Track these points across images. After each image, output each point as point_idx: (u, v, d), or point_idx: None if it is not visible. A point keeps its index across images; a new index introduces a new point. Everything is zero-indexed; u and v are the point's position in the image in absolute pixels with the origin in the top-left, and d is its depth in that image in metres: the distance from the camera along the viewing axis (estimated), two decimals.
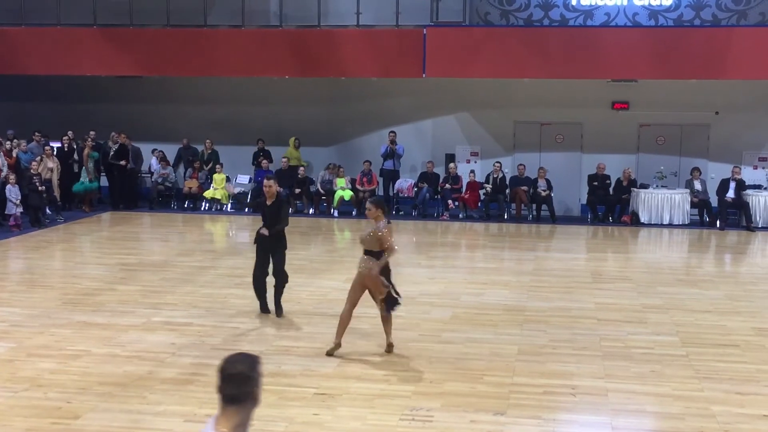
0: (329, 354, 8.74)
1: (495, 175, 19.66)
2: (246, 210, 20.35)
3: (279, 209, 10.45)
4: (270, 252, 10.46)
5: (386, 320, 8.93)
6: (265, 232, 10.28)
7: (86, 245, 16.01)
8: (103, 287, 11.97)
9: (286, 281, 10.57)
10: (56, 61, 20.43)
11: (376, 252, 8.63)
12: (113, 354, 8.86)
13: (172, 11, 20.21)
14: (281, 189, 19.04)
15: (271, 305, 10.61)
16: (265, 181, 10.68)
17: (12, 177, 16.98)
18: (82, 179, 19.45)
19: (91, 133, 20.14)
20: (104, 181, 20.65)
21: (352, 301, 8.77)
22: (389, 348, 8.95)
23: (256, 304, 10.90)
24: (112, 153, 20.22)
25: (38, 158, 18.15)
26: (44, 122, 20.99)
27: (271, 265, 10.49)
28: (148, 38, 20.27)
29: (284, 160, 20.50)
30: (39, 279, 12.74)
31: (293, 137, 20.94)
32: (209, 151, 21.29)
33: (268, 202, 10.47)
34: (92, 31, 20.38)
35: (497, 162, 19.95)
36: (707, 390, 7.97)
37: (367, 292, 8.83)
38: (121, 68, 20.51)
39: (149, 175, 21.43)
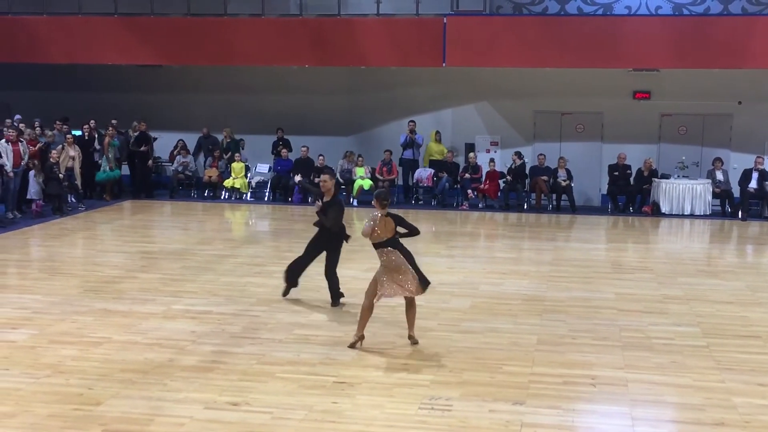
0: (351, 347, 8.73)
1: (513, 165, 19.60)
2: (266, 199, 20.41)
3: (330, 207, 10.35)
4: (324, 248, 10.53)
5: (410, 311, 8.89)
6: (318, 205, 10.45)
7: (107, 233, 16.10)
8: (123, 275, 12.04)
9: (337, 284, 10.58)
10: (77, 50, 20.53)
11: (386, 240, 8.64)
12: (134, 341, 8.91)
13: (192, 0, 20.25)
14: (299, 179, 19.13)
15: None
16: (324, 176, 10.55)
17: (34, 163, 17.17)
18: (103, 168, 19.55)
19: (113, 121, 20.25)
20: (126, 170, 20.76)
21: (373, 293, 8.74)
22: (412, 340, 8.88)
23: (276, 292, 10.95)
24: (132, 141, 20.32)
25: (59, 147, 18.25)
26: (66, 111, 21.09)
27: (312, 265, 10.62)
28: (168, 27, 20.31)
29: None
30: (60, 266, 12.83)
31: (434, 130, 20.75)
32: (228, 140, 21.34)
33: (326, 198, 10.39)
34: (113, 20, 20.45)
35: (515, 153, 19.86)
36: (728, 381, 7.92)
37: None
38: (142, 57, 20.58)
39: (169, 164, 21.52)
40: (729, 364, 8.42)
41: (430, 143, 20.63)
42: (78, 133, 19.74)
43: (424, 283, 8.77)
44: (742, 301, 11.09)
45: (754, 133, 20.13)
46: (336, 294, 10.57)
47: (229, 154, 20.96)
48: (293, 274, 10.75)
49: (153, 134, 20.84)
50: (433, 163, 20.40)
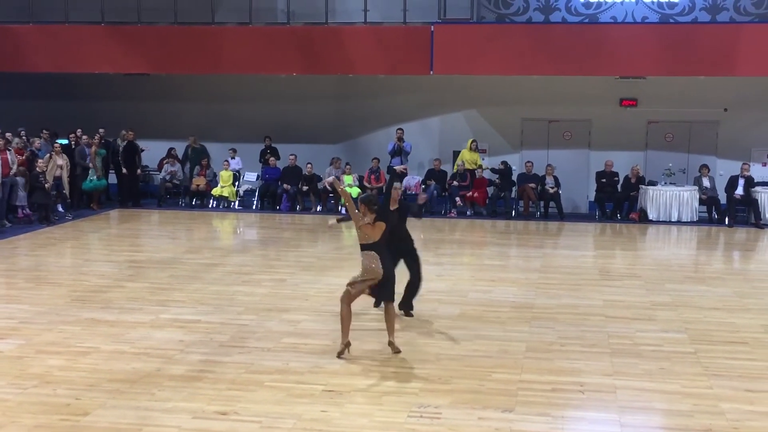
0: (339, 355, 8.70)
1: (500, 167, 19.68)
2: (254, 207, 20.39)
3: (407, 210, 10.12)
4: (404, 256, 10.13)
5: (388, 317, 8.89)
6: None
7: (94, 242, 16.04)
8: (111, 284, 11.99)
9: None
10: (64, 59, 20.47)
11: (373, 243, 8.69)
12: (121, 351, 8.87)
13: (179, 9, 20.23)
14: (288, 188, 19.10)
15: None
16: (396, 184, 10.25)
17: (25, 172, 17.16)
18: (90, 177, 19.49)
19: (100, 130, 20.20)
20: (113, 179, 20.70)
21: (347, 298, 8.77)
22: (391, 346, 8.84)
23: (265, 300, 10.94)
24: (121, 150, 20.27)
25: (47, 156, 18.19)
26: (52, 120, 21.04)
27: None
28: (155, 36, 20.29)
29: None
30: (47, 276, 12.77)
31: (471, 139, 20.56)
32: (194, 147, 21.24)
33: (392, 207, 9.81)
34: (100, 28, 20.42)
35: (501, 163, 19.91)
36: (716, 387, 7.94)
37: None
38: (129, 66, 20.54)
39: (157, 173, 21.48)
40: (717, 370, 8.45)
41: (463, 151, 20.51)
42: (65, 142, 19.67)
43: (390, 296, 8.86)
44: (730, 307, 11.14)
45: (740, 140, 20.24)
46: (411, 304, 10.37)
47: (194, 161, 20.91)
48: (406, 305, 10.37)
49: (142, 145, 20.80)
50: (465, 171, 20.20)
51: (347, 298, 8.74)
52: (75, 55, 20.41)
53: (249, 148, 21.33)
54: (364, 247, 8.77)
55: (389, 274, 8.83)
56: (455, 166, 20.25)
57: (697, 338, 9.58)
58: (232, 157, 21.02)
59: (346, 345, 8.73)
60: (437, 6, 19.52)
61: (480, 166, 19.98)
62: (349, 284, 8.84)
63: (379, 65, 19.62)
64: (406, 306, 10.33)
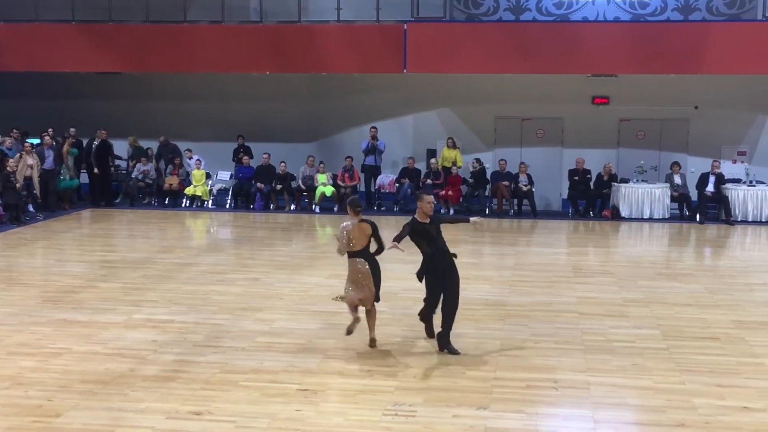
0: (349, 331, 8.86)
1: (473, 169, 19.71)
2: (227, 206, 20.31)
3: (442, 220, 9.13)
4: (446, 276, 8.91)
5: (370, 314, 8.96)
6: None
7: (66, 242, 15.90)
8: (83, 285, 11.90)
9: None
10: (35, 58, 20.27)
11: (361, 250, 8.78)
12: (94, 352, 8.80)
13: (151, 7, 20.11)
14: (263, 186, 19.01)
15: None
16: (428, 197, 8.82)
17: None
18: (62, 176, 19.30)
19: (71, 129, 20.03)
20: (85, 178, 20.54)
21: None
22: (372, 343, 8.96)
23: (239, 299, 10.93)
24: (93, 150, 20.08)
25: (17, 155, 18.00)
26: (23, 119, 20.84)
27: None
28: (127, 34, 20.14)
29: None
30: (19, 277, 12.65)
31: (448, 137, 20.55)
32: (133, 146, 21.08)
33: (426, 221, 8.83)
34: (71, 27, 20.24)
35: (475, 159, 19.97)
36: (688, 383, 8.02)
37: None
38: (101, 65, 20.39)
39: (126, 172, 21.32)
40: (689, 365, 8.52)
41: (443, 149, 20.58)
42: (36, 141, 19.48)
43: (376, 298, 8.96)
44: (701, 303, 11.24)
45: (711, 138, 20.43)
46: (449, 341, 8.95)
47: (135, 162, 20.78)
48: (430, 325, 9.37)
49: (117, 153, 20.70)
50: (445, 170, 20.24)
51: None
52: (46, 54, 20.21)
53: (222, 146, 21.24)
54: (351, 255, 8.79)
55: (377, 278, 8.87)
56: (439, 163, 20.26)
57: (669, 334, 9.66)
58: (189, 158, 20.88)
59: (356, 320, 8.87)
60: (410, 4, 19.51)
61: (459, 166, 20.01)
62: (340, 298, 8.92)
63: (353, 64, 19.60)
64: (444, 342, 8.84)
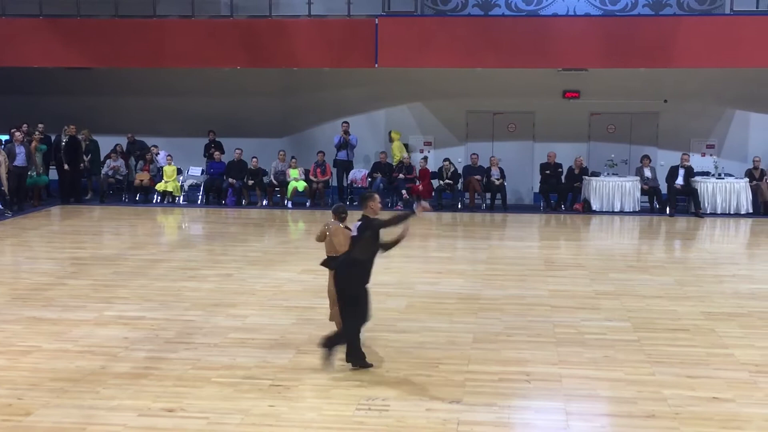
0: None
1: (446, 172, 19.72)
2: (199, 202, 20.21)
3: (384, 224, 8.16)
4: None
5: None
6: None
7: (36, 239, 15.74)
8: (53, 282, 11.79)
9: None
10: (2, 53, 20.05)
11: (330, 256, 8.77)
12: (65, 349, 8.73)
13: (120, 1, 19.95)
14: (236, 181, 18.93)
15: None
16: (377, 196, 8.63)
17: None
18: (30, 173, 19.09)
19: (39, 126, 19.85)
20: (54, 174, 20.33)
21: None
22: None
23: (212, 295, 10.88)
24: (63, 146, 19.87)
25: None
26: None
27: None
28: (95, 29, 19.97)
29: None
30: None
31: (391, 130, 20.66)
32: (87, 142, 20.81)
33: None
34: (38, 21, 20.03)
35: (446, 159, 20.00)
36: (658, 374, 8.08)
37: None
38: (69, 59, 20.19)
39: (99, 168, 21.16)
40: (659, 357, 8.60)
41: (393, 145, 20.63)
42: (5, 137, 19.26)
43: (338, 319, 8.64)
44: (671, 295, 11.34)
45: (680, 131, 20.62)
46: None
47: (90, 156, 20.61)
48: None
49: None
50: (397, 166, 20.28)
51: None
52: (13, 49, 19.99)
53: (193, 142, 21.14)
54: (332, 259, 8.72)
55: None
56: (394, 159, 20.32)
57: (639, 326, 9.74)
58: (156, 153, 20.70)
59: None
60: None
61: (409, 158, 20.06)
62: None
63: (324, 58, 19.57)
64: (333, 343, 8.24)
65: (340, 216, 8.89)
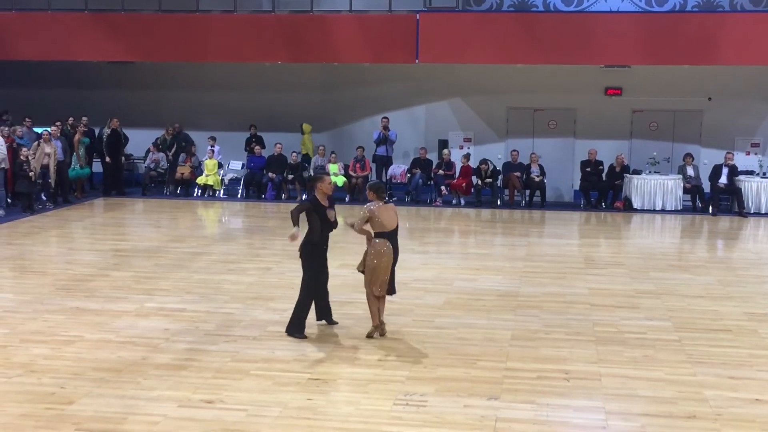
0: (369, 336, 8.94)
1: (484, 173, 19.61)
2: (239, 196, 20.34)
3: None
4: (325, 263, 9.39)
5: (381, 301, 8.98)
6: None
7: (78, 231, 15.97)
8: (96, 273, 11.95)
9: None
10: (48, 47, 20.33)
11: (392, 231, 8.89)
12: (107, 340, 8.85)
13: None
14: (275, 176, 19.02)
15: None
16: (328, 177, 9.37)
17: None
18: (73, 165, 19.34)
19: (83, 118, 20.09)
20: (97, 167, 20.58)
21: (370, 280, 8.88)
22: (382, 330, 8.98)
23: (251, 289, 10.95)
24: (105, 139, 20.12)
25: (35, 144, 18.03)
26: (35, 108, 20.87)
27: None
28: (140, 24, 20.17)
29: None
30: (31, 265, 12.71)
31: (302, 123, 20.87)
32: (170, 136, 21.03)
33: (326, 203, 9.27)
34: (84, 16, 20.28)
35: (484, 160, 19.85)
36: (700, 374, 8.00)
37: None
38: (113, 54, 20.42)
39: (141, 161, 21.38)
40: (700, 357, 8.51)
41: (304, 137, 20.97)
42: (41, 130, 19.51)
43: (392, 288, 9.09)
44: (713, 295, 11.21)
45: (724, 129, 20.33)
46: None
47: (174, 149, 20.81)
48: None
49: (129, 131, 20.70)
50: (305, 157, 20.57)
51: (369, 281, 8.87)
52: (58, 43, 20.26)
53: (234, 136, 21.26)
54: (379, 235, 8.88)
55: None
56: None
57: (680, 326, 9.64)
58: (212, 146, 20.87)
59: (376, 327, 8.96)
60: None
61: (449, 154, 20.05)
62: (371, 268, 8.84)
63: (365, 54, 19.57)
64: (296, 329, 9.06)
65: (380, 195, 8.94)
